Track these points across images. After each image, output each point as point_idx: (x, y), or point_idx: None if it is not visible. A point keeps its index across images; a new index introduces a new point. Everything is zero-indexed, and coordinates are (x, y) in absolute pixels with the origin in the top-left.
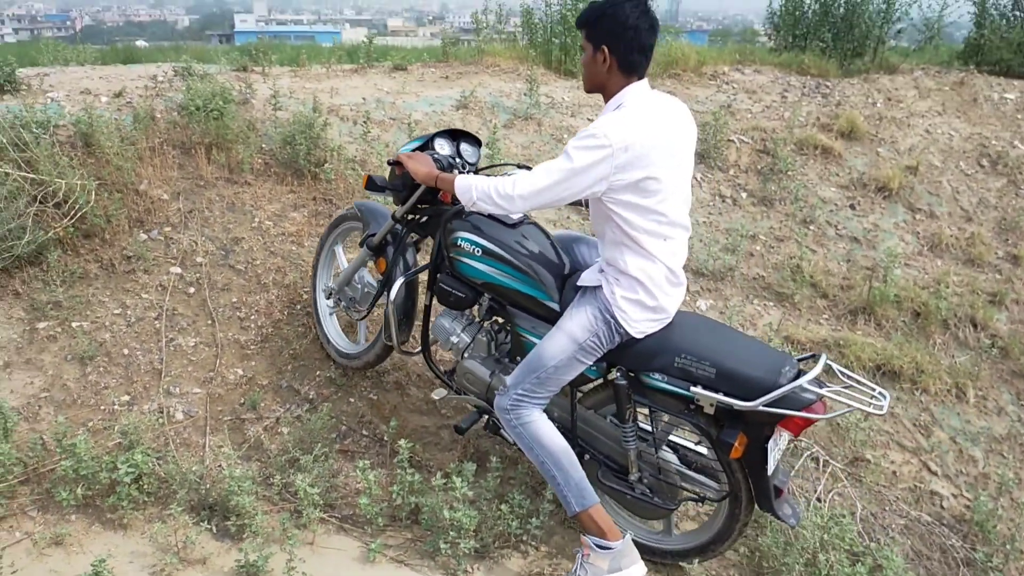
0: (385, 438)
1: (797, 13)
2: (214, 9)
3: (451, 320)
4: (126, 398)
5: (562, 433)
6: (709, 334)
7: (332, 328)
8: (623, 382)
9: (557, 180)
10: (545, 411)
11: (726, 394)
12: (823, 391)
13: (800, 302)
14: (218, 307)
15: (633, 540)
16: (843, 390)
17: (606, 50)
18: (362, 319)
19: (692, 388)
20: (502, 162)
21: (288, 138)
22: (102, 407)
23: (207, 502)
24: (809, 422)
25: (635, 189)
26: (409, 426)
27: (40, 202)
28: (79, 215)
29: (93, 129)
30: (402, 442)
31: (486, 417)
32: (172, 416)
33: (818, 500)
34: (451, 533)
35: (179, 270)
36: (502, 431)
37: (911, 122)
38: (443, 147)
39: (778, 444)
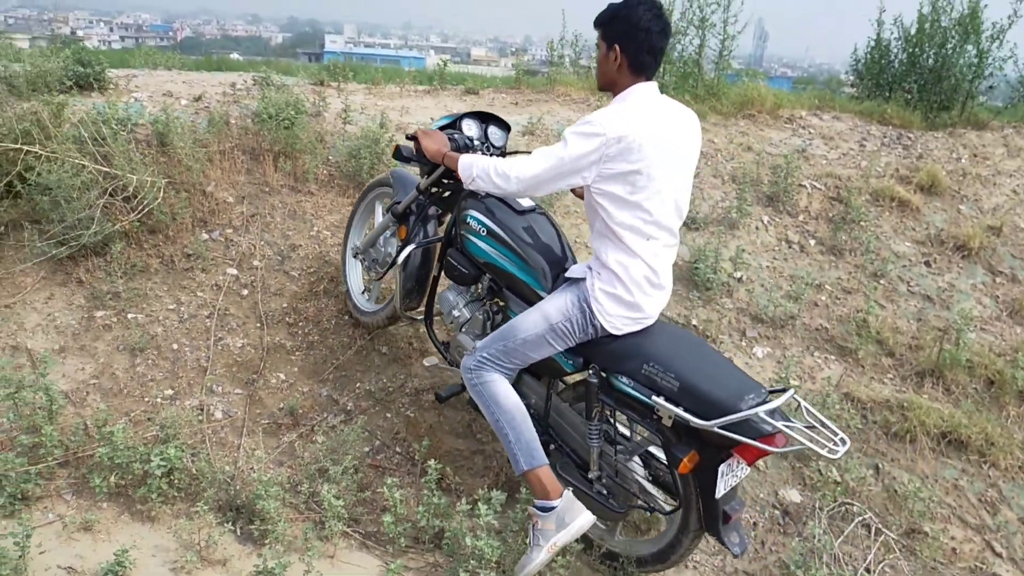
0: (416, 457)
1: (883, 61)
2: (306, 28)
3: (456, 294)
4: (169, 392)
5: (535, 421)
6: (684, 348)
7: (355, 286)
8: (594, 380)
9: (552, 164)
10: (523, 396)
11: (685, 409)
12: (780, 424)
13: (864, 358)
14: (269, 311)
15: (646, 553)
16: (804, 429)
17: (618, 49)
18: (378, 280)
19: (654, 397)
20: (523, 150)
21: (354, 151)
22: (146, 399)
23: (235, 503)
24: (763, 453)
25: (623, 181)
26: (443, 447)
27: (110, 195)
28: (146, 210)
29: (169, 129)
30: (431, 462)
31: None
32: (211, 414)
33: (867, 571)
34: (472, 562)
35: (235, 271)
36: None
37: (997, 180)
38: (470, 128)
39: (733, 470)
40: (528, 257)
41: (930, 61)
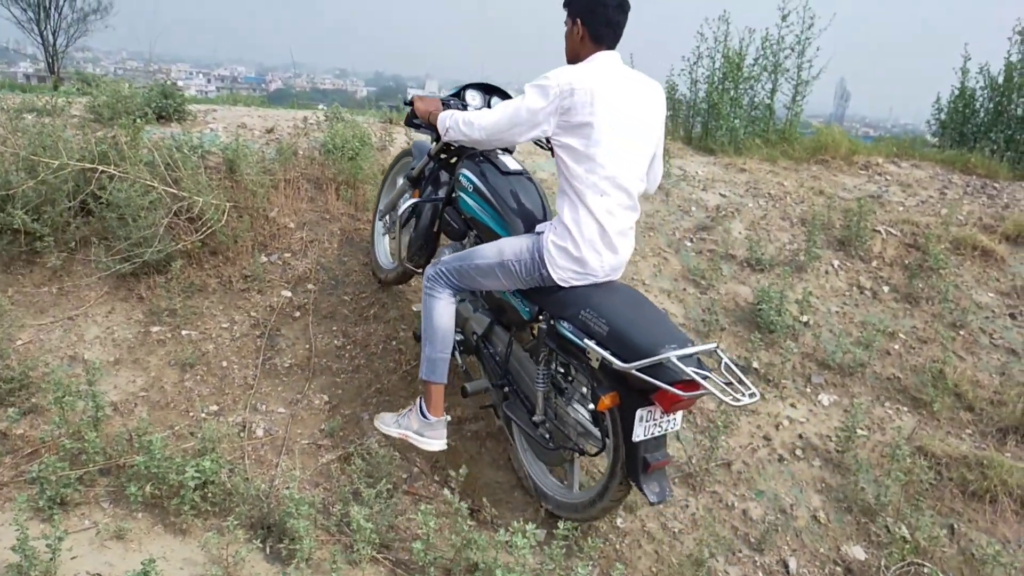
0: (453, 486)
1: (967, 111)
2: (390, 83)
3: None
4: (214, 408)
5: (495, 365)
6: (623, 300)
7: (380, 247)
8: (544, 326)
9: (509, 115)
10: (489, 343)
11: (611, 353)
12: (690, 370)
13: (939, 411)
14: (318, 333)
15: (546, 492)
16: (718, 380)
17: (579, 23)
18: (394, 239)
19: (586, 340)
20: None
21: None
22: (191, 413)
23: (266, 521)
24: (676, 398)
25: (578, 134)
26: (482, 479)
27: (175, 215)
28: (209, 232)
29: (238, 157)
30: (456, 481)
31: (491, 388)
32: (253, 432)
33: None
34: None
35: (289, 294)
36: (497, 411)
37: None
38: (474, 98)
39: (654, 418)
40: (505, 214)
41: (1019, 111)
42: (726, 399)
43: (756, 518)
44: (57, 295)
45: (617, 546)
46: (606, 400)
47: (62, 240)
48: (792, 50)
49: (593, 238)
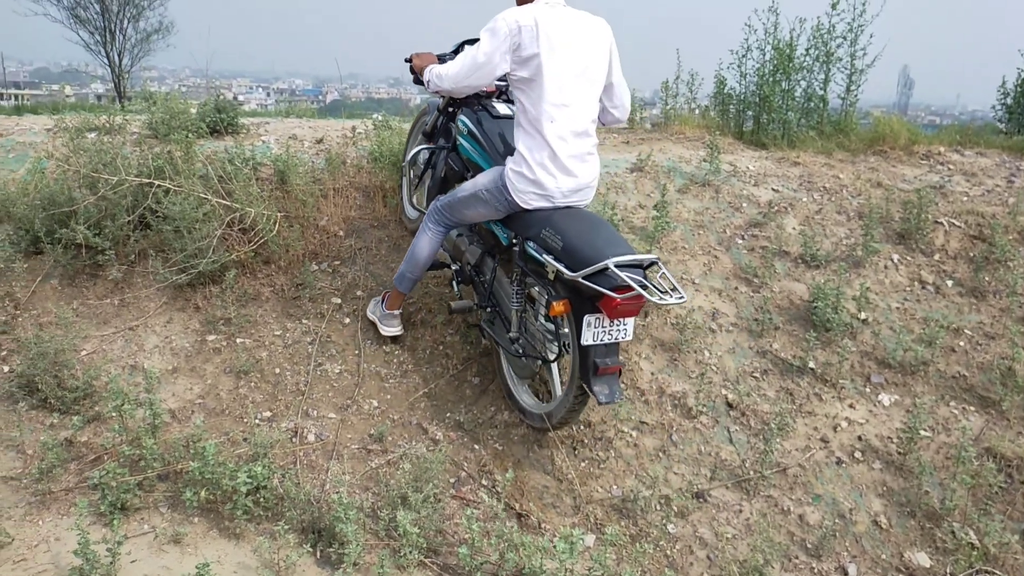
0: (499, 490)
1: None
2: None
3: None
4: (267, 414)
5: (483, 290)
6: (581, 221)
7: (406, 199)
8: (516, 249)
9: (468, 62)
10: (479, 272)
11: (564, 265)
12: (624, 275)
13: (1009, 411)
14: (367, 339)
15: (524, 408)
16: (654, 287)
17: None
18: (415, 187)
19: (544, 255)
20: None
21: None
22: (244, 419)
23: (317, 526)
24: (616, 303)
25: (527, 66)
26: (529, 483)
27: (229, 226)
28: (262, 242)
29: (288, 168)
30: (503, 485)
31: (476, 310)
32: (304, 437)
33: None
34: None
35: (339, 300)
36: (483, 330)
37: None
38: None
39: (603, 324)
40: (492, 152)
41: None
42: (652, 298)
43: (813, 523)
44: (118, 306)
45: (668, 552)
46: (557, 306)
47: (122, 253)
48: (844, 39)
49: (544, 162)
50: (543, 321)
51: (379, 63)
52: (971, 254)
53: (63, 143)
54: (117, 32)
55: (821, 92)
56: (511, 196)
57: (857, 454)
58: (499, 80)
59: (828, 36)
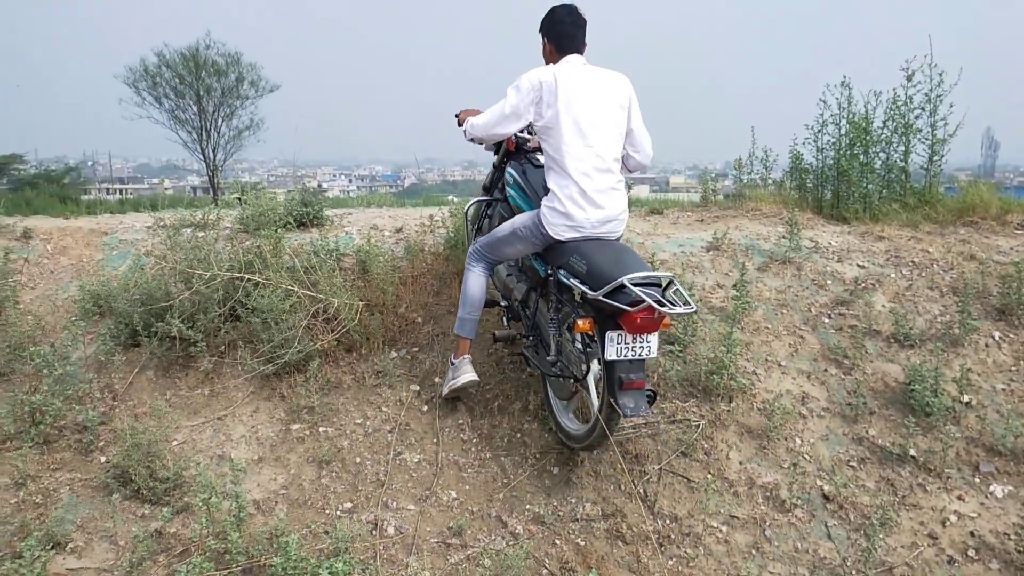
0: None
1: None
2: None
3: None
4: (348, 505)
5: (528, 321)
6: (605, 248)
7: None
8: (551, 277)
9: (496, 114)
10: (526, 306)
11: (588, 287)
12: (638, 290)
13: None
14: (445, 427)
15: (566, 430)
16: (664, 299)
17: (546, 39)
18: (476, 234)
19: (571, 280)
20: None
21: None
22: (326, 511)
23: None
24: (634, 317)
25: (551, 116)
26: None
27: (313, 316)
28: (344, 330)
29: (370, 257)
30: None
31: (519, 338)
32: (384, 530)
33: None
34: None
35: (417, 388)
36: (527, 358)
37: None
38: None
39: (625, 340)
40: (533, 197)
41: None
42: (662, 308)
43: None
44: (208, 396)
45: None
46: (582, 324)
47: (213, 344)
48: (923, 109)
49: (573, 196)
50: (576, 344)
51: (454, 147)
52: None
53: (161, 240)
54: (212, 130)
55: (902, 164)
56: (545, 230)
57: (971, 552)
58: (524, 133)
59: (905, 108)
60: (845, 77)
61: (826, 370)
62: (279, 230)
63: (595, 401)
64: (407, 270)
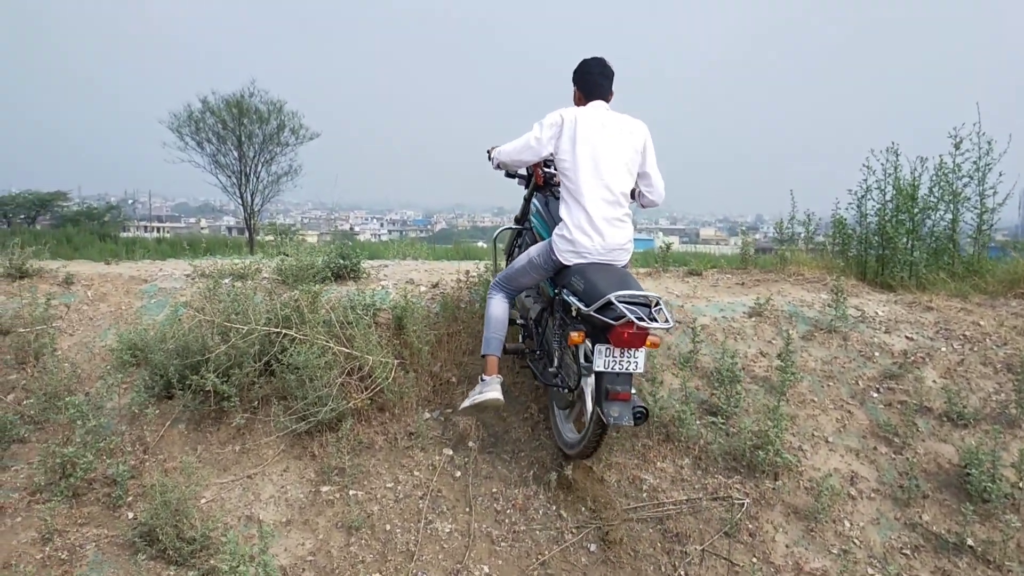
0: None
1: None
2: None
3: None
4: None
5: (535, 331)
6: (605, 271)
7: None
8: (557, 296)
9: (522, 144)
10: (539, 325)
11: (583, 303)
12: (622, 307)
13: None
14: (478, 495)
15: (564, 439)
16: (647, 316)
17: (576, 88)
18: (507, 260)
19: (569, 297)
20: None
21: None
22: None
23: None
24: (620, 331)
25: (568, 150)
26: None
27: (348, 374)
28: (378, 389)
29: (405, 313)
30: None
31: (528, 353)
32: None
33: None
34: None
35: (451, 452)
36: (534, 371)
37: None
38: None
39: (613, 354)
40: (551, 224)
41: None
42: (640, 323)
43: None
44: (239, 453)
45: None
46: (574, 336)
47: (246, 399)
48: (971, 178)
49: (581, 224)
50: (576, 358)
51: (484, 193)
52: None
53: (199, 290)
54: (251, 175)
55: (950, 232)
56: (555, 256)
57: None
58: (551, 168)
59: (953, 175)
60: (893, 143)
61: (876, 448)
62: (317, 287)
63: (589, 408)
64: (442, 327)
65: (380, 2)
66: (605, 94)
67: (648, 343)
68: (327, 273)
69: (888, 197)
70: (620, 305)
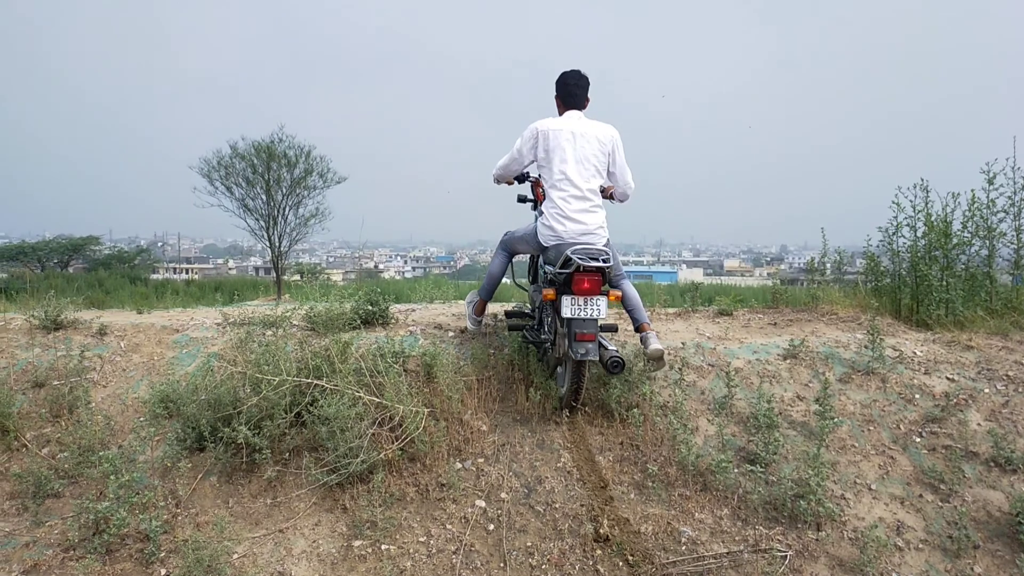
0: None
1: None
2: None
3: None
4: None
5: (535, 309)
6: (574, 245)
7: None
8: (540, 270)
9: (509, 157)
10: (538, 307)
11: (552, 266)
12: (575, 257)
13: None
14: (512, 549)
15: (563, 393)
16: (600, 266)
17: (557, 97)
18: (532, 280)
19: (545, 266)
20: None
21: (603, 378)
22: None
23: None
24: (581, 282)
25: (545, 155)
26: None
27: (379, 424)
28: (408, 439)
29: (435, 361)
30: None
31: (528, 326)
32: None
33: None
34: None
35: (483, 504)
36: (526, 337)
37: None
38: None
39: (577, 303)
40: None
41: None
42: (585, 263)
43: None
44: (270, 506)
45: None
46: (546, 292)
47: (277, 451)
48: (1006, 212)
49: (556, 215)
50: (557, 323)
51: (503, 229)
52: None
53: (230, 340)
54: (279, 218)
55: (985, 268)
56: (538, 238)
57: None
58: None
59: (987, 211)
60: (923, 179)
61: (921, 496)
62: (347, 338)
63: (563, 351)
64: (472, 374)
65: (407, 49)
66: (580, 102)
67: (612, 297)
68: (356, 320)
69: (919, 233)
70: (574, 257)
